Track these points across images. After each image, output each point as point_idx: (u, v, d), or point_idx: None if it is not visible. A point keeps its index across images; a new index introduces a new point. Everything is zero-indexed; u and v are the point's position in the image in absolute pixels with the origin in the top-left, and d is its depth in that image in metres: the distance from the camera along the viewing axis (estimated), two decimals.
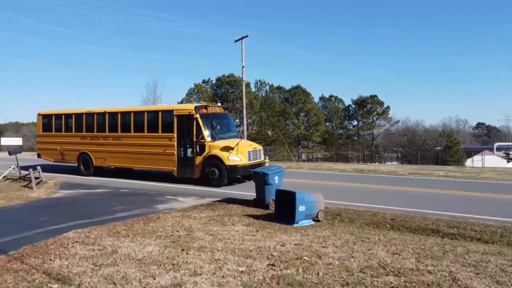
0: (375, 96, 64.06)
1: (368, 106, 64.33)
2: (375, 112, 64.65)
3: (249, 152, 13.61)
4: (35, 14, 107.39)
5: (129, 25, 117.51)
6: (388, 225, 7.89)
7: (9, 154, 16.20)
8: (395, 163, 47.62)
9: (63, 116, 17.18)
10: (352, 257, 5.57)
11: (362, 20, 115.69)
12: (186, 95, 59.42)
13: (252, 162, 13.59)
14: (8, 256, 5.37)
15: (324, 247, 6.11)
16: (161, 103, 52.14)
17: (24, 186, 13.96)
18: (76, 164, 16.75)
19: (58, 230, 7.11)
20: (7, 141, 39.86)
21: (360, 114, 65.06)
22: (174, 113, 13.95)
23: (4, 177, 15.60)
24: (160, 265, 5.09)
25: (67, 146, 16.83)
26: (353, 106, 66.67)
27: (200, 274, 4.74)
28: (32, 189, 13.20)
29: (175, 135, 13.82)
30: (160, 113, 14.45)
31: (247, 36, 30.25)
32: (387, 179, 15.89)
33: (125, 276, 4.67)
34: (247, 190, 12.24)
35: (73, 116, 16.81)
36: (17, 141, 41.43)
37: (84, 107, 17.21)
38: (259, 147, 14.71)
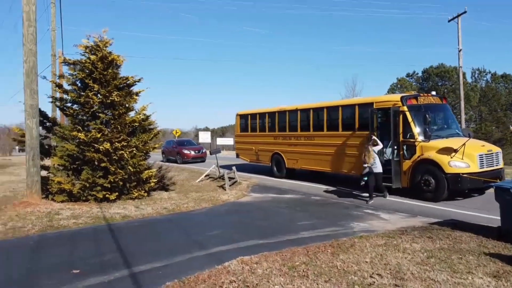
0: None
1: None
2: None
3: (480, 155, 9.83)
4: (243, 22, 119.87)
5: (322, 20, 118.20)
6: None
7: (210, 153, 16.66)
8: None
9: (257, 116, 16.72)
10: None
11: None
12: (387, 91, 54.68)
13: (485, 169, 9.78)
14: None
15: None
16: None
17: (220, 186, 13.82)
18: (270, 165, 16.02)
19: (222, 254, 5.61)
20: (222, 141, 44.37)
21: None
22: (374, 107, 11.37)
23: (206, 175, 16.06)
24: None
25: (261, 146, 16.27)
26: None
27: None
28: (225, 190, 12.85)
29: (375, 134, 11.21)
30: (356, 108, 12.05)
31: (464, 12, 24.85)
32: None
33: None
34: (478, 209, 8.75)
35: (266, 115, 16.13)
36: (229, 141, 45.69)
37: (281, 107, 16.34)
38: (496, 149, 10.61)
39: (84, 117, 9.99)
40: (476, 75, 54.39)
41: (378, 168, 9.98)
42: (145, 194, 10.50)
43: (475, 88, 50.84)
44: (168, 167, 17.74)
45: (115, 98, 9.61)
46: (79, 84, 10.01)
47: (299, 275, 4.69)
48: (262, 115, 16.51)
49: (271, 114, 15.86)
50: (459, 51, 25.17)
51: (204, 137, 32.79)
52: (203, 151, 25.93)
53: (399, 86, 55.06)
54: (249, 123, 17.26)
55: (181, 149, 25.09)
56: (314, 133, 13.53)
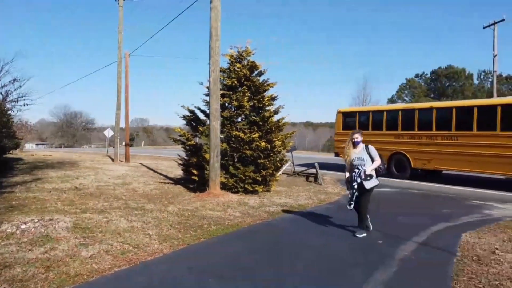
0: None
1: None
2: None
3: None
4: None
5: None
6: None
7: (286, 151, 16.81)
8: None
9: (370, 113, 16.43)
10: None
11: None
12: (396, 92, 60.07)
13: None
14: None
15: None
16: (370, 102, 47.71)
17: (305, 181, 14.51)
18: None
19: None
20: None
21: None
22: None
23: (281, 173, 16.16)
24: None
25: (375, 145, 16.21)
26: None
27: None
28: (320, 184, 13.41)
29: None
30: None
31: (502, 20, 27.18)
32: None
33: None
34: None
35: (384, 112, 15.78)
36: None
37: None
38: None
39: (233, 119, 11.12)
40: (482, 77, 56.34)
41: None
42: (275, 187, 11.60)
43: (482, 89, 52.29)
44: None
45: (266, 103, 10.80)
46: (226, 90, 11.21)
47: None
48: (376, 112, 16.28)
49: (391, 112, 15.61)
50: (494, 56, 27.08)
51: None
52: None
53: (408, 86, 59.96)
54: (356, 120, 16.85)
55: None
56: (457, 133, 13.17)
